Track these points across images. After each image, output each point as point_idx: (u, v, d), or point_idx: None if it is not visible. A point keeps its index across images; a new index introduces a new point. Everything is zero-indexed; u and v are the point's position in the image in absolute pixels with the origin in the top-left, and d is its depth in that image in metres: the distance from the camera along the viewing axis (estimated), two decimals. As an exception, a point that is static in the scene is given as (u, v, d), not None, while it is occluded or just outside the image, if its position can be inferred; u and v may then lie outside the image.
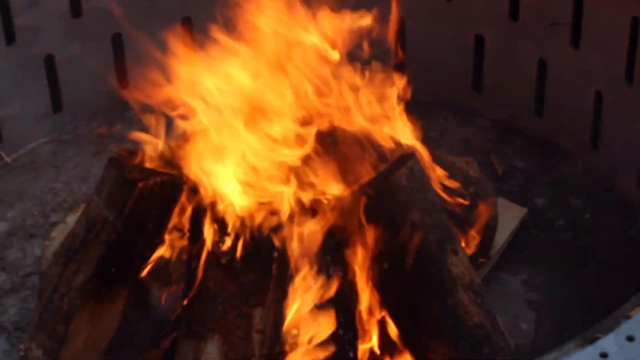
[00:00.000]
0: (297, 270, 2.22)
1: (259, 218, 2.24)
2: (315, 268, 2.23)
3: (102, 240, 2.34)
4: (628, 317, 1.90)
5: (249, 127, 2.39)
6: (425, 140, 2.60)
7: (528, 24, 3.12)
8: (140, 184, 2.32)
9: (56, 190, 3.10)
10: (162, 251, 2.38)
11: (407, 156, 2.32)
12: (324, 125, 2.42)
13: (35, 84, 3.18)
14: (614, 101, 2.97)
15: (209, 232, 2.27)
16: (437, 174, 2.59)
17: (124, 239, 2.33)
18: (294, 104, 2.42)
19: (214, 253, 2.25)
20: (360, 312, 2.29)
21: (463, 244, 2.49)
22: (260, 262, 2.22)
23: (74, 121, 3.31)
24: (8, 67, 3.10)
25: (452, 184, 2.61)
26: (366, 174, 2.36)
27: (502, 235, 2.76)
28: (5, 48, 3.08)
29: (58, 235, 2.70)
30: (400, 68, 2.82)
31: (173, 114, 2.43)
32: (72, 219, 2.64)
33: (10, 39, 3.09)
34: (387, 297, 2.29)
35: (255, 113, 2.41)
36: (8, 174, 3.16)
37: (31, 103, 3.19)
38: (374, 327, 2.31)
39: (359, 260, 2.27)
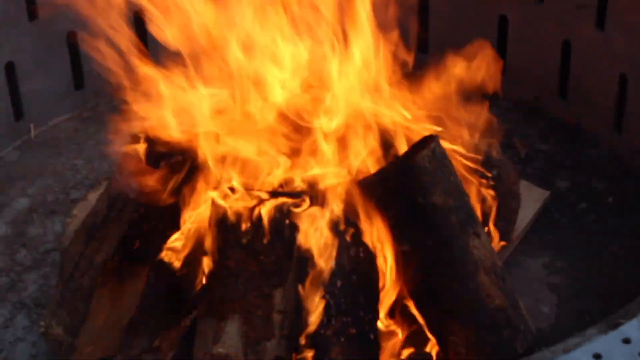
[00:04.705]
0: (318, 252, 2.22)
1: (280, 198, 2.23)
2: (336, 250, 2.23)
3: (123, 218, 2.34)
4: (651, 303, 1.89)
5: (269, 106, 2.38)
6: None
7: (553, 5, 3.10)
8: (162, 163, 2.32)
9: (77, 167, 3.10)
10: (183, 230, 2.38)
11: (429, 138, 2.31)
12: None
13: (58, 60, 3.18)
14: (639, 84, 2.94)
15: (229, 211, 2.27)
16: (459, 156, 2.57)
17: (146, 218, 2.33)
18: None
19: (235, 232, 2.24)
20: (381, 294, 2.29)
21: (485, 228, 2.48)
22: (281, 243, 2.21)
23: (95, 98, 3.31)
24: (30, 43, 3.10)
25: (474, 166, 2.59)
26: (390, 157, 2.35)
27: (524, 218, 2.75)
28: (28, 24, 3.08)
29: (79, 212, 2.69)
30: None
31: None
32: (93, 196, 2.64)
33: (33, 15, 3.08)
34: (409, 279, 2.29)
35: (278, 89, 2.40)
36: (29, 150, 3.16)
37: (53, 80, 3.19)
38: (395, 309, 2.31)
39: (380, 243, 2.26)
